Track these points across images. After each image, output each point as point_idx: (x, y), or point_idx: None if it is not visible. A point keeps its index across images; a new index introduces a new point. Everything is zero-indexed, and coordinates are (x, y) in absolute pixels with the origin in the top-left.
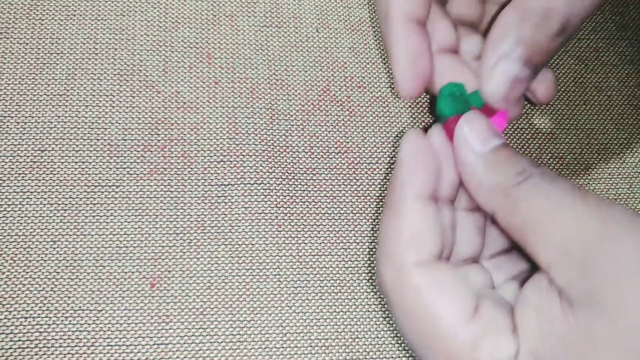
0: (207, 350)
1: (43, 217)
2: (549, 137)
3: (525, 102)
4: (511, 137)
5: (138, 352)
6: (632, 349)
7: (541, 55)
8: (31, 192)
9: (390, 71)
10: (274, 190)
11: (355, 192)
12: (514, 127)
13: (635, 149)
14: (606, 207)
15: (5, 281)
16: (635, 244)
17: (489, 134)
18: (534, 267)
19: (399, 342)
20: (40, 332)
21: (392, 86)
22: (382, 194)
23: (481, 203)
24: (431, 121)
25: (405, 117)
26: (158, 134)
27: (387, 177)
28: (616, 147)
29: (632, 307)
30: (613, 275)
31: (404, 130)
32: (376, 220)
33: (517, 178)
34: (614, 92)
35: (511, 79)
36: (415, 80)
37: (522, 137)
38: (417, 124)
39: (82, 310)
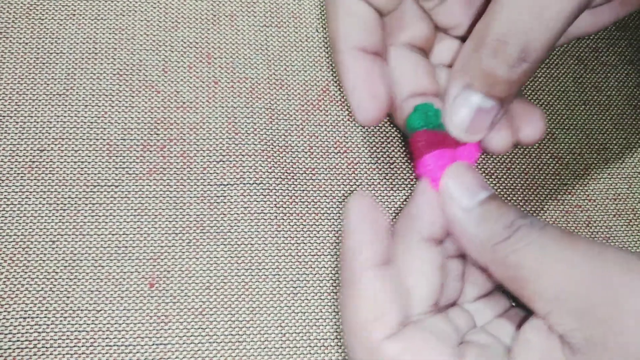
0: (206, 350)
1: (42, 217)
2: (549, 137)
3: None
4: None
5: (137, 352)
6: None
7: (502, 87)
8: (30, 192)
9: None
10: (274, 190)
11: (355, 192)
12: None
13: (635, 149)
14: (597, 250)
15: (4, 281)
16: (631, 286)
17: (475, 187)
18: (519, 304)
19: None
20: (39, 332)
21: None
22: (383, 194)
23: (473, 257)
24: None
25: None
26: (157, 134)
27: (387, 178)
28: (616, 147)
29: (635, 351)
30: (613, 321)
31: (403, 131)
32: None
33: (505, 232)
34: (614, 92)
35: (474, 111)
36: (370, 108)
37: None
38: None
39: (81, 310)
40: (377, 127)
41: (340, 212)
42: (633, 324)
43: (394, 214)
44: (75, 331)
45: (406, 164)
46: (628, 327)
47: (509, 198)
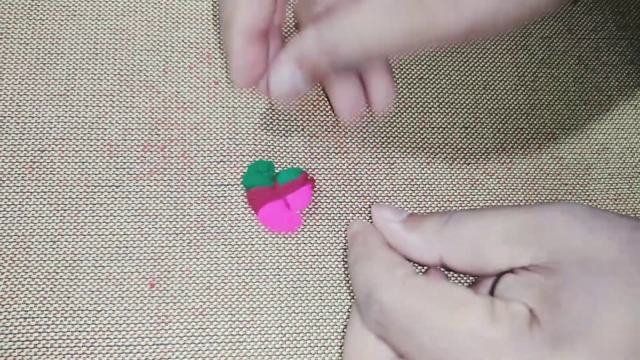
0: (206, 350)
1: (43, 217)
2: (549, 137)
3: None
4: (511, 137)
5: (137, 352)
6: None
7: (310, 66)
8: (31, 192)
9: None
10: None
11: (355, 192)
12: (514, 127)
13: (635, 149)
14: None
15: (5, 281)
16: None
17: (397, 209)
18: None
19: None
20: (39, 332)
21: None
22: (382, 194)
23: (423, 260)
24: (435, 121)
25: (405, 117)
26: (158, 134)
27: (387, 178)
28: (616, 147)
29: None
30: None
31: (404, 130)
32: None
33: (442, 220)
34: (615, 92)
35: (292, 84)
36: (248, 81)
37: (522, 137)
38: (417, 124)
39: (82, 310)
40: (377, 127)
41: (341, 211)
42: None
43: None
44: (75, 331)
45: (406, 164)
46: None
47: (509, 198)
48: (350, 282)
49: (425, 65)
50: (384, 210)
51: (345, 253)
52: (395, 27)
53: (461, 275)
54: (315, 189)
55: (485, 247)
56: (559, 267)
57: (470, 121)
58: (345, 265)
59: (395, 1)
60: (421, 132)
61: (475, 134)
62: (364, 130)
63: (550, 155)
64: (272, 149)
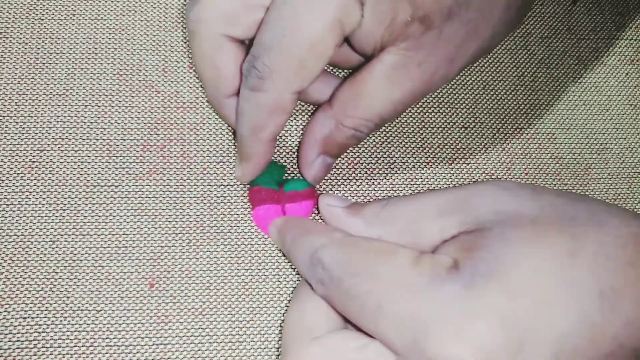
0: (206, 350)
1: (42, 217)
2: (549, 137)
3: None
4: (511, 137)
5: (137, 352)
6: None
7: (341, 151)
8: (30, 192)
9: None
10: None
11: (355, 192)
12: (514, 127)
13: (635, 149)
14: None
15: (4, 281)
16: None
17: (342, 198)
18: None
19: None
20: (39, 332)
21: None
22: (383, 194)
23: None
24: (436, 121)
25: (405, 117)
26: (157, 134)
27: (387, 178)
28: (616, 147)
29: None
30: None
31: (404, 130)
32: None
33: (381, 204)
34: (614, 92)
35: (325, 168)
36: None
37: (522, 137)
38: (417, 124)
39: (81, 310)
40: None
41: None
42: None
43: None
44: (75, 331)
45: (406, 164)
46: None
47: None
48: (290, 262)
49: None
50: (329, 198)
51: None
52: (407, 88)
53: None
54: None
55: (419, 223)
56: (482, 227)
57: (470, 121)
58: None
59: (392, 67)
60: (421, 132)
61: (475, 134)
62: None
63: (550, 155)
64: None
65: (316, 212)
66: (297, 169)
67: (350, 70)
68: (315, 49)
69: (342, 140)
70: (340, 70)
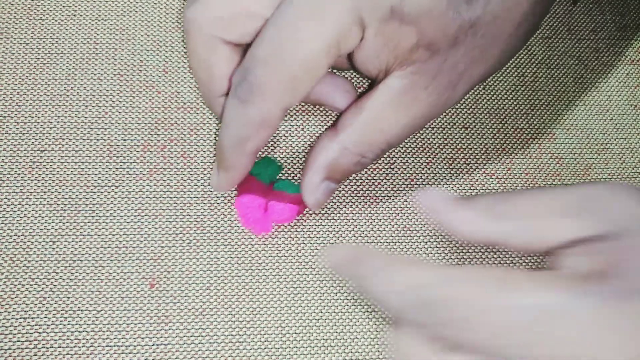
0: (206, 350)
1: (42, 217)
2: (549, 137)
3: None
4: (511, 137)
5: (137, 352)
6: None
7: (346, 176)
8: (31, 192)
9: None
10: None
11: (355, 192)
12: (514, 127)
13: (635, 149)
14: None
15: (5, 281)
16: None
17: (443, 191)
18: None
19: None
20: (39, 332)
21: None
22: (383, 194)
23: (473, 237)
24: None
25: None
26: (158, 134)
27: (387, 178)
28: (616, 147)
29: None
30: None
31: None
32: (376, 221)
33: (493, 198)
34: (614, 93)
35: (328, 192)
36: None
37: (522, 137)
38: None
39: (82, 310)
40: None
41: (341, 212)
42: None
43: (393, 215)
44: (75, 331)
45: (406, 164)
46: None
47: None
48: (369, 300)
49: None
50: (432, 191)
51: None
52: (414, 112)
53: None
54: (302, 214)
55: (542, 220)
56: (619, 232)
57: (470, 121)
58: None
59: (399, 92)
60: (421, 132)
61: (475, 134)
62: None
63: (550, 155)
64: (272, 149)
65: (298, 219)
66: (293, 170)
67: (350, 71)
68: (309, 68)
69: (347, 167)
70: (339, 71)
